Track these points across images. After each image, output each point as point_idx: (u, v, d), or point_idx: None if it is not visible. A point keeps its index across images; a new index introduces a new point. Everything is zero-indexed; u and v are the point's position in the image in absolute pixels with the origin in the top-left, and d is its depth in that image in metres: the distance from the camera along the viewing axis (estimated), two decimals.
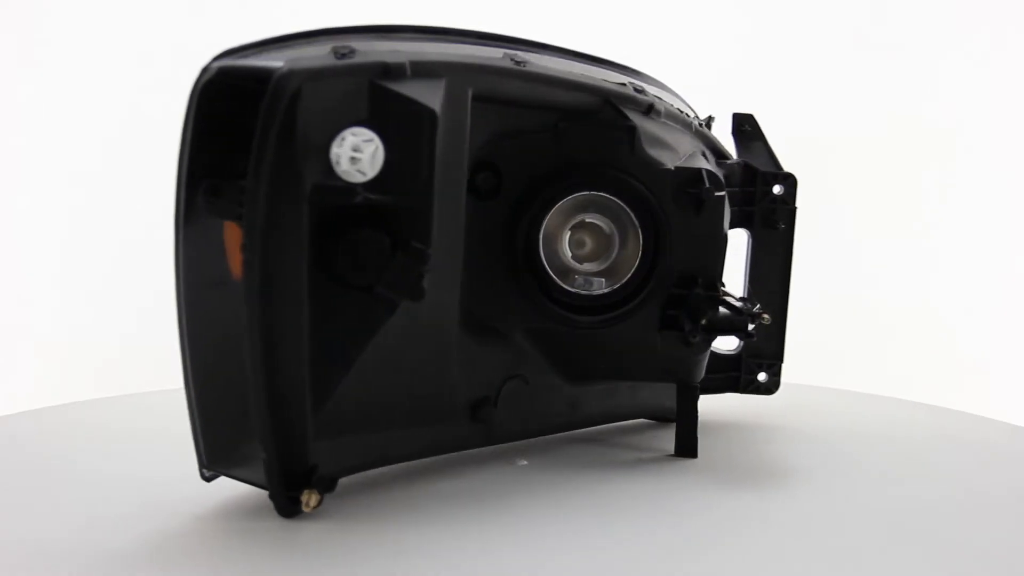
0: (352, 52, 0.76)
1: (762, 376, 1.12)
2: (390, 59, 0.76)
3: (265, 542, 0.75)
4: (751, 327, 0.94)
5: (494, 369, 0.94)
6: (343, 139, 0.73)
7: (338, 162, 0.73)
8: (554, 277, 0.92)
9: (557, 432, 1.04)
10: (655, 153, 0.91)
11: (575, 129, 0.90)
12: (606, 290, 0.93)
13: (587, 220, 0.92)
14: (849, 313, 1.89)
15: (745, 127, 1.10)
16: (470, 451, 0.97)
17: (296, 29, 0.81)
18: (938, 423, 1.21)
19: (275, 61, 0.74)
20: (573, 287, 0.93)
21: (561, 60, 0.92)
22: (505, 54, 0.86)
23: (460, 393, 0.91)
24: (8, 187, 1.83)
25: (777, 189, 1.07)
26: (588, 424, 1.06)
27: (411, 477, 0.91)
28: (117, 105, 1.80)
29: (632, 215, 0.92)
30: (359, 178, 0.73)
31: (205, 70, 0.75)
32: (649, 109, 0.93)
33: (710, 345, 0.98)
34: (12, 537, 0.76)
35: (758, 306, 0.97)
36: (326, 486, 0.80)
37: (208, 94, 0.74)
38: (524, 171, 0.91)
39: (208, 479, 0.82)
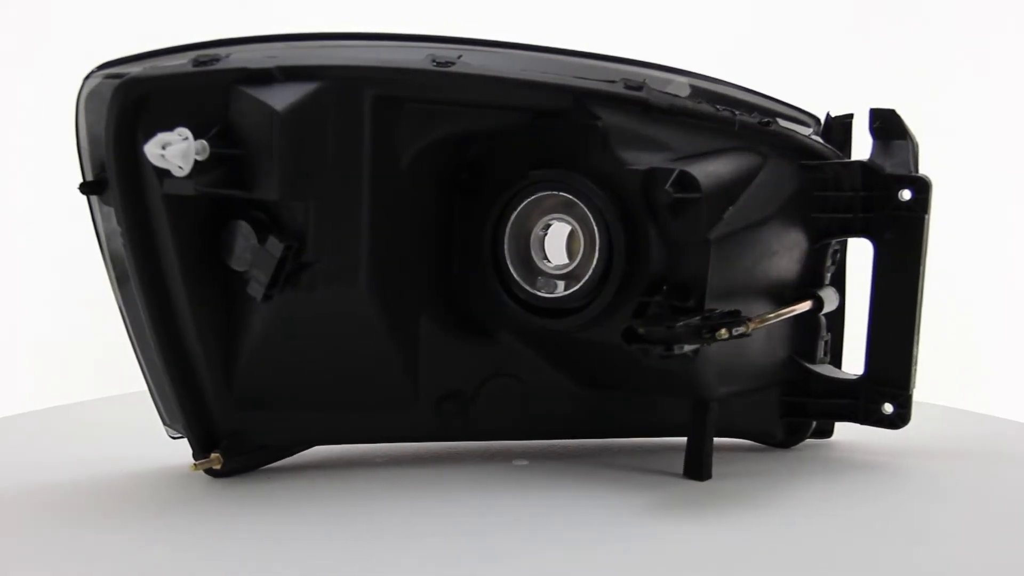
0: (214, 60, 0.83)
1: (887, 407, 0.96)
2: (255, 64, 0.82)
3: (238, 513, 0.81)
4: (690, 345, 0.84)
5: (474, 365, 0.94)
6: (155, 137, 0.79)
7: (150, 157, 0.79)
8: (516, 277, 0.91)
9: (576, 437, 1.01)
10: (632, 153, 0.87)
11: (549, 129, 0.89)
12: (565, 293, 0.89)
13: (551, 222, 0.91)
14: (848, 312, 1.88)
15: (879, 123, 0.96)
16: (475, 447, 0.98)
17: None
18: (953, 424, 1.18)
19: (133, 70, 0.83)
20: (536, 288, 0.91)
21: (536, 59, 0.91)
22: (429, 56, 0.87)
23: (421, 384, 0.93)
24: (8, 187, 1.83)
25: (906, 194, 0.93)
26: (621, 435, 1.01)
27: (404, 466, 0.93)
28: None
29: (591, 217, 0.88)
30: (178, 172, 0.79)
31: (86, 80, 0.85)
32: (643, 106, 0.88)
33: (695, 356, 0.87)
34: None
35: (729, 320, 0.84)
36: (236, 451, 0.89)
37: (88, 103, 0.86)
38: (504, 171, 0.91)
39: (175, 438, 0.94)
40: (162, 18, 1.81)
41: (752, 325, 0.83)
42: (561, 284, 0.90)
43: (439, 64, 0.86)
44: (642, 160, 0.86)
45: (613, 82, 0.89)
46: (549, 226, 0.91)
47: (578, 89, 0.88)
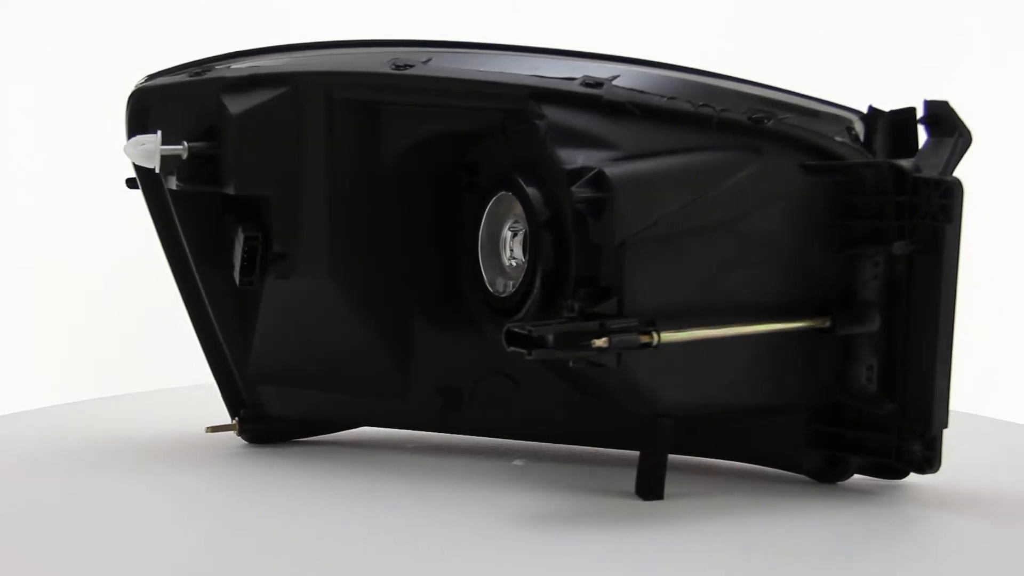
0: (207, 71, 0.94)
1: (917, 447, 0.85)
2: (234, 74, 0.92)
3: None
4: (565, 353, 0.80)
5: (470, 362, 0.96)
6: (134, 138, 0.92)
7: (126, 155, 0.93)
8: (484, 276, 0.92)
9: (569, 443, 0.99)
10: (572, 152, 0.83)
11: (514, 129, 0.89)
12: (509, 292, 0.90)
13: (517, 221, 0.91)
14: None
15: (930, 117, 0.85)
16: (476, 442, 1.00)
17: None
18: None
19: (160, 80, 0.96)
20: (495, 288, 0.92)
21: (506, 59, 0.90)
22: (391, 60, 0.90)
23: (415, 376, 0.97)
24: (8, 187, 1.83)
25: (931, 200, 0.82)
26: (615, 445, 0.97)
27: (402, 459, 0.97)
28: (118, 105, 1.80)
29: (525, 217, 0.88)
30: (151, 167, 0.91)
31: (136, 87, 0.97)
32: (596, 104, 0.85)
33: (617, 364, 0.82)
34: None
35: (622, 329, 0.80)
36: (253, 420, 1.01)
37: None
38: (491, 170, 0.92)
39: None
40: (163, 18, 1.81)
41: (664, 338, 0.79)
42: (511, 284, 0.91)
43: (397, 67, 0.90)
44: (580, 159, 0.83)
45: (572, 79, 0.87)
46: (518, 225, 0.92)
47: (529, 88, 0.87)
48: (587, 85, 0.86)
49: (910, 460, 0.85)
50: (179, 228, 0.97)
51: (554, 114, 0.85)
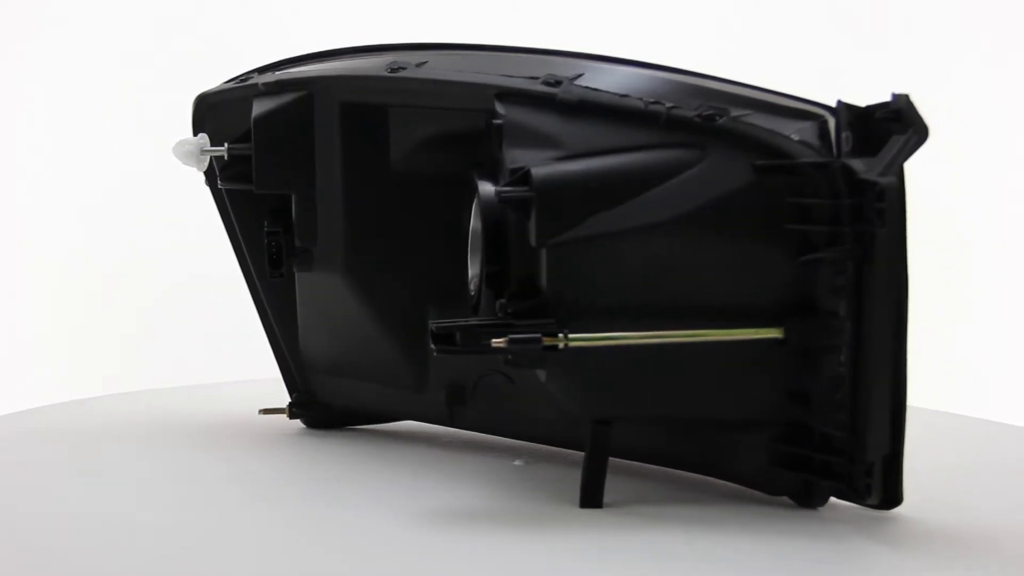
0: (249, 78, 1.01)
1: (859, 473, 0.78)
2: (266, 80, 0.99)
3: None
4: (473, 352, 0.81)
5: (475, 359, 0.94)
6: (179, 140, 0.99)
7: (174, 156, 1.00)
8: (468, 273, 0.91)
9: (561, 446, 0.98)
10: (520, 151, 0.82)
11: (491, 128, 0.87)
12: (472, 292, 0.89)
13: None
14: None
15: (892, 114, 0.75)
16: (480, 439, 1.02)
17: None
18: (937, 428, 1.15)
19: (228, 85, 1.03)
20: (471, 285, 0.90)
21: (493, 59, 0.90)
22: (390, 63, 0.93)
23: (431, 371, 1.00)
24: (9, 187, 1.83)
25: (877, 202, 0.74)
26: (620, 455, 0.91)
27: (404, 456, 0.99)
28: (118, 105, 1.80)
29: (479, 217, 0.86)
30: (193, 167, 1.00)
31: None
32: (550, 102, 0.83)
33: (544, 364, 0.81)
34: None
35: (524, 329, 0.79)
36: (303, 404, 1.09)
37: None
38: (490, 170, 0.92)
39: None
40: (162, 18, 1.81)
41: (570, 342, 0.78)
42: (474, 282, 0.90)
43: (391, 70, 0.93)
44: (526, 158, 0.81)
45: (535, 79, 0.85)
46: None
47: (495, 88, 0.86)
48: (547, 84, 0.84)
49: (857, 488, 0.78)
50: (235, 225, 1.06)
51: (513, 113, 0.84)
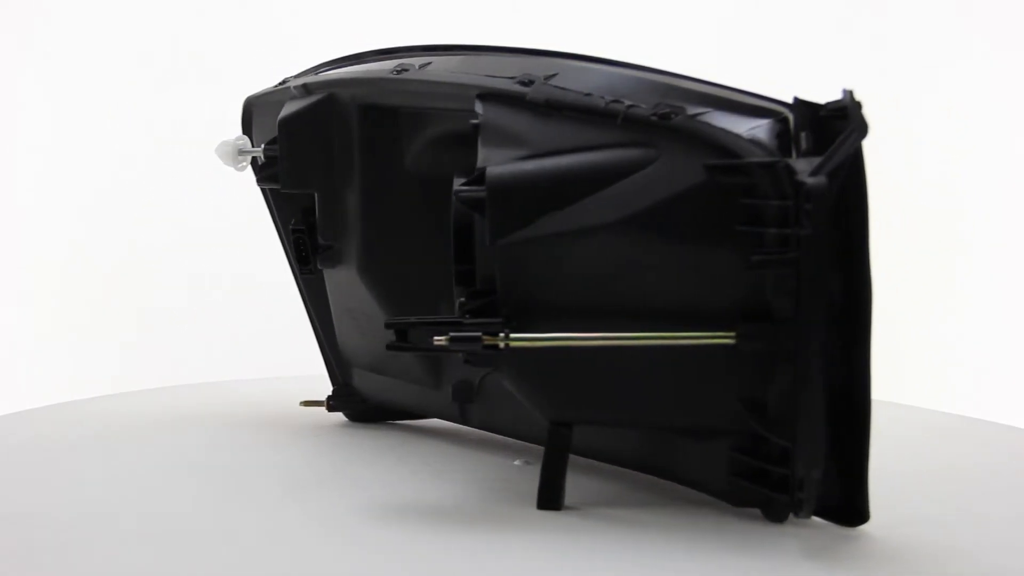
0: (285, 81, 1.05)
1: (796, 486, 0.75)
2: (296, 82, 1.02)
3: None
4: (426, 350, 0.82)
5: None
6: (221, 141, 1.04)
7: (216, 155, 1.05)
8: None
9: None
10: (490, 151, 0.82)
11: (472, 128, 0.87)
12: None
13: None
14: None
15: (838, 112, 0.73)
16: (497, 439, 1.03)
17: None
18: (935, 427, 1.17)
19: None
20: None
21: (478, 60, 0.91)
22: (396, 65, 0.95)
23: (442, 368, 1.02)
24: (9, 187, 1.83)
25: (806, 203, 0.70)
26: (598, 458, 0.92)
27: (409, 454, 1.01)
28: (118, 104, 1.80)
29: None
30: (230, 166, 1.05)
31: None
32: (521, 102, 0.83)
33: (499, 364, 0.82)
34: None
35: (469, 329, 0.79)
36: (341, 397, 1.13)
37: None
38: None
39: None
40: (162, 18, 1.81)
41: (511, 342, 0.77)
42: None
43: (396, 72, 0.94)
44: (493, 158, 0.81)
45: (512, 79, 0.84)
46: None
47: (477, 88, 0.86)
48: (521, 84, 0.84)
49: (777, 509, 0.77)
50: (278, 223, 1.11)
51: (490, 113, 0.84)
